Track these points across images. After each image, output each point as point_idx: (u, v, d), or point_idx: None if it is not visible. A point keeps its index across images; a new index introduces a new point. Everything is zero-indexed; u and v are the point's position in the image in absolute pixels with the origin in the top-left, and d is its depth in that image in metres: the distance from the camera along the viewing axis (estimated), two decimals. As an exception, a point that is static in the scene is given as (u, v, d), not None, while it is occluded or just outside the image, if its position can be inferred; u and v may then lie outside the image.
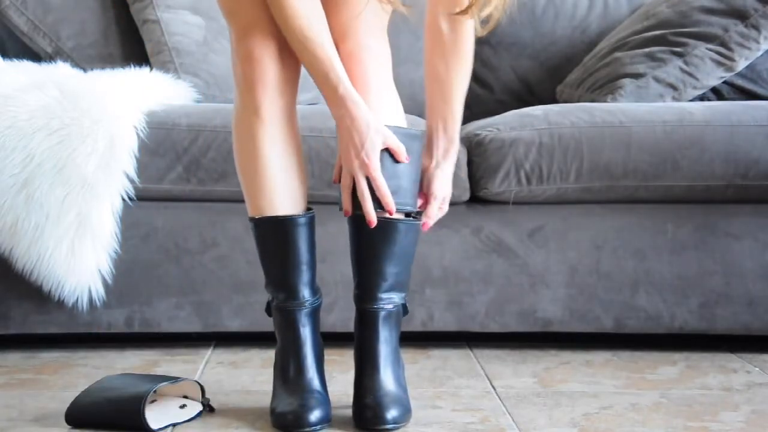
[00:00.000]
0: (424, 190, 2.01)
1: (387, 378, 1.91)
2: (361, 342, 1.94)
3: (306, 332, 1.94)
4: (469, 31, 1.98)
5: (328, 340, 2.12)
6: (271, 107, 1.91)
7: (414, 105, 3.05)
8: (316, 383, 1.92)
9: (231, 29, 1.94)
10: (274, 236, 1.93)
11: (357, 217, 1.92)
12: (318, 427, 1.87)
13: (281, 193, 1.93)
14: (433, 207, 2.00)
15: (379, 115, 1.90)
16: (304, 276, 1.94)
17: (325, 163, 2.40)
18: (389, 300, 1.93)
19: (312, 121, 2.43)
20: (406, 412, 1.90)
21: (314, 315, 1.96)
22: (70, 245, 2.38)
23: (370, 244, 1.92)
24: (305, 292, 1.94)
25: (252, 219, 1.95)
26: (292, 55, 1.91)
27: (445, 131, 2.02)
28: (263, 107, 1.91)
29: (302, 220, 1.93)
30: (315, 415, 1.87)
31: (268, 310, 1.99)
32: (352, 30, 1.90)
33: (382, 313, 1.92)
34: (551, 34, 3.13)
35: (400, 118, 1.97)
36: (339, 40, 1.91)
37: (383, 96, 1.92)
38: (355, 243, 1.94)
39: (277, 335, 1.97)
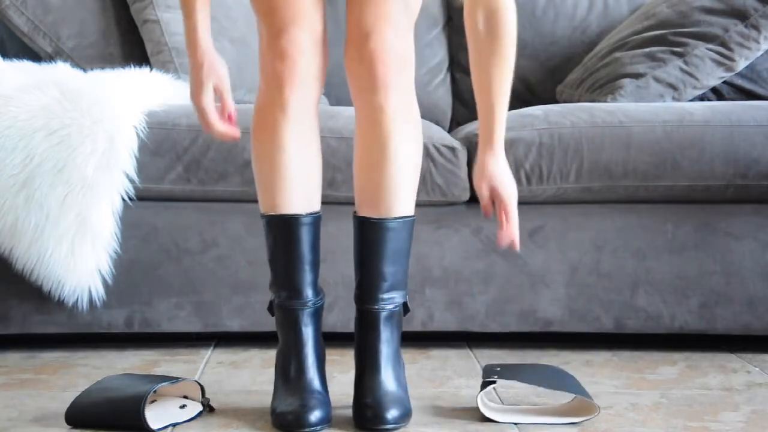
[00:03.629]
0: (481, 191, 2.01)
1: (388, 378, 1.91)
2: (361, 342, 1.94)
3: (308, 332, 1.94)
4: (505, 31, 2.04)
5: (328, 340, 2.11)
6: (298, 105, 1.92)
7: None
8: (316, 383, 1.92)
9: (264, 26, 1.94)
10: (284, 234, 1.94)
11: (356, 218, 1.93)
12: (318, 427, 1.87)
13: (298, 191, 1.94)
14: (504, 212, 2.02)
15: (395, 119, 1.90)
16: (308, 276, 1.94)
17: (325, 163, 2.39)
18: (390, 300, 1.94)
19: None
20: (406, 413, 1.90)
21: (316, 315, 1.96)
22: (70, 245, 2.38)
23: (368, 244, 1.92)
24: (308, 292, 1.94)
25: (264, 216, 1.95)
26: (323, 53, 1.93)
27: (484, 130, 2.00)
28: (290, 104, 1.92)
29: (310, 219, 1.93)
30: (315, 416, 1.87)
31: (271, 309, 1.99)
32: (377, 29, 1.90)
33: (384, 314, 1.93)
34: (551, 34, 3.13)
35: (416, 121, 1.97)
36: (363, 38, 1.91)
37: (401, 99, 1.92)
38: (356, 244, 1.95)
39: (279, 335, 1.97)
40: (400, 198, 1.93)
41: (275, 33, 1.92)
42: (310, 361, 1.93)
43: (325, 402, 1.91)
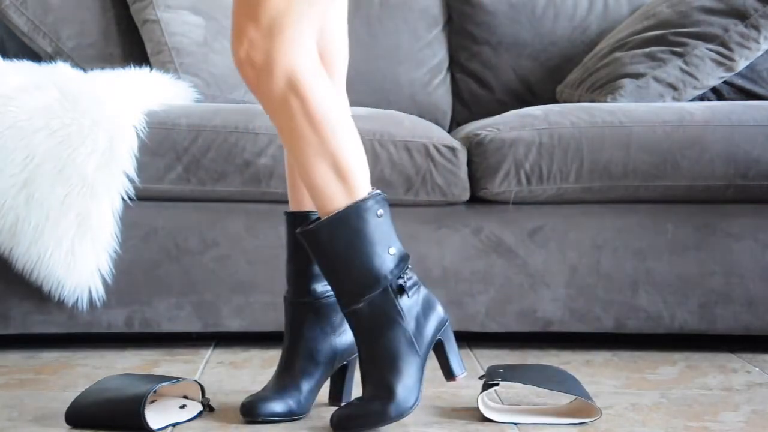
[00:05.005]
0: None
1: (366, 378, 1.85)
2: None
3: (295, 326, 1.95)
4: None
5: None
6: None
7: (414, 105, 3.05)
8: (297, 378, 1.93)
9: None
10: (286, 231, 1.98)
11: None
12: (275, 418, 1.89)
13: (293, 190, 1.99)
14: None
15: (284, 114, 1.82)
16: (295, 273, 1.96)
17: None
18: (350, 300, 1.84)
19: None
20: (378, 414, 1.83)
21: (312, 312, 1.95)
22: (70, 245, 2.38)
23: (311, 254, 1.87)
24: (292, 288, 1.96)
25: None
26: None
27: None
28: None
29: (291, 218, 1.96)
30: (268, 407, 1.89)
31: None
32: (239, 35, 1.82)
33: (350, 316, 1.85)
34: (551, 34, 3.13)
35: (312, 105, 1.82)
36: (233, 42, 1.85)
37: (277, 94, 1.82)
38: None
39: None
40: (312, 195, 1.84)
41: None
42: (294, 355, 1.94)
43: (293, 397, 1.92)
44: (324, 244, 1.82)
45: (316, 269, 1.95)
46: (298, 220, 1.95)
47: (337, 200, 1.82)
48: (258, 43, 1.79)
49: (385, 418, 1.83)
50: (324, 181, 1.81)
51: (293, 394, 1.92)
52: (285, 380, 1.93)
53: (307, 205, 1.98)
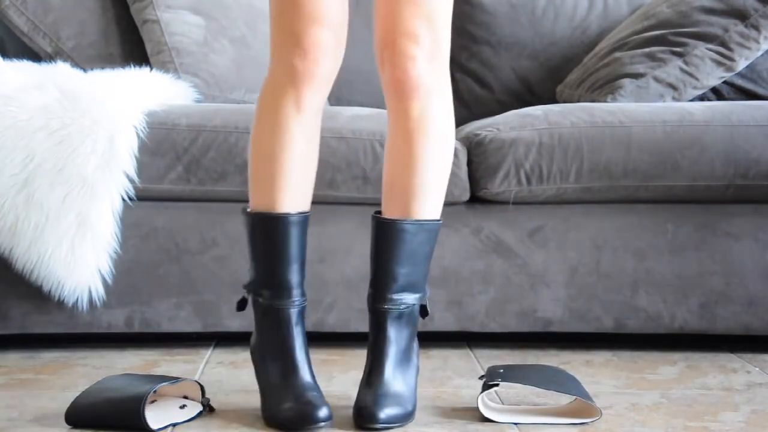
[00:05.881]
0: None
1: (390, 378, 1.91)
2: (371, 341, 1.95)
3: (299, 331, 1.94)
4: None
5: (328, 339, 2.11)
6: (313, 104, 1.94)
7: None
8: (313, 382, 1.93)
9: (285, 23, 1.92)
10: (281, 234, 1.93)
11: (372, 218, 1.95)
12: (325, 423, 1.87)
13: (296, 190, 1.95)
14: None
15: (418, 124, 1.94)
16: (297, 275, 1.95)
17: (325, 163, 2.39)
18: (400, 301, 1.94)
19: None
20: (404, 414, 1.89)
21: (303, 315, 1.96)
22: (70, 245, 2.38)
23: (381, 244, 1.93)
24: (297, 291, 1.94)
25: (256, 213, 1.95)
26: (341, 53, 1.94)
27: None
28: (306, 104, 1.93)
29: (301, 218, 1.94)
30: (323, 412, 1.87)
31: (241, 305, 2.00)
32: (399, 42, 1.91)
33: (391, 314, 1.93)
34: (551, 34, 3.13)
35: (443, 126, 1.97)
36: (386, 47, 1.92)
37: (426, 105, 1.94)
38: (372, 243, 1.95)
39: (261, 335, 1.98)
40: (420, 201, 1.95)
41: (298, 31, 1.90)
42: (303, 359, 1.94)
43: (324, 399, 1.91)
44: (409, 241, 1.93)
45: (298, 270, 1.95)
46: (286, 221, 1.94)
47: (431, 210, 1.97)
48: (428, 50, 1.90)
49: (414, 411, 1.93)
50: (430, 190, 1.95)
51: (321, 395, 1.91)
52: (305, 384, 1.92)
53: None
